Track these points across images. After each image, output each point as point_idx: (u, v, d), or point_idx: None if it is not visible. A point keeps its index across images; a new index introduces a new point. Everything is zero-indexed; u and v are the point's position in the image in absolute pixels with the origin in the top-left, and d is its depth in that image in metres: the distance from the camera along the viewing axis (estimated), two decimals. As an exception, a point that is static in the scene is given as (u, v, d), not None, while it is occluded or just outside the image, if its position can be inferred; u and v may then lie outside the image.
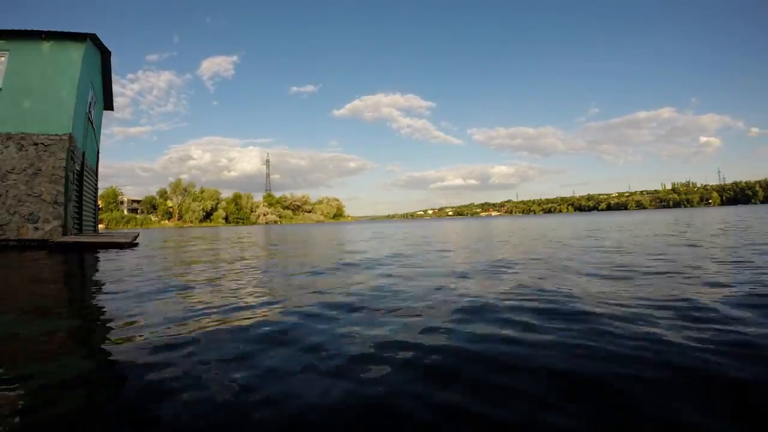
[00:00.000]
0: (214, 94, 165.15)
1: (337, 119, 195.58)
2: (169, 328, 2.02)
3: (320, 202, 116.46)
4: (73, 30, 10.53)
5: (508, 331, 1.79)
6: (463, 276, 3.51)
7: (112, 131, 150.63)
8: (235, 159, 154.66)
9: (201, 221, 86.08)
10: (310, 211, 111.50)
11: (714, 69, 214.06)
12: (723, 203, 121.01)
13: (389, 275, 3.69)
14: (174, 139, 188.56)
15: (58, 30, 10.36)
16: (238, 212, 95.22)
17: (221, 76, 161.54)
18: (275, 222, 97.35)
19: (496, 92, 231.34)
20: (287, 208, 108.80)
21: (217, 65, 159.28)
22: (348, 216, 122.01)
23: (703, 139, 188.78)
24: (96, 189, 14.98)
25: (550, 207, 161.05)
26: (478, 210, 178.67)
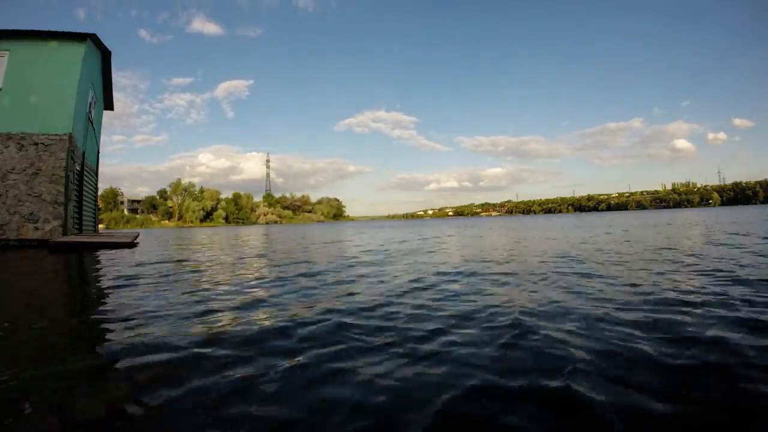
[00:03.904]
0: (227, 109, 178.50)
1: (335, 133, 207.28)
2: (171, 327, 2.02)
3: (320, 202, 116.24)
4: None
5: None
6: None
7: (134, 139, 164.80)
8: (241, 164, 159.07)
9: (201, 221, 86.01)
10: (310, 211, 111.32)
11: (675, 78, 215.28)
12: (723, 204, 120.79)
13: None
14: (186, 146, 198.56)
15: (59, 30, 10.37)
16: (239, 212, 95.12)
17: (236, 96, 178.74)
18: (275, 222, 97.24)
19: (476, 105, 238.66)
20: (287, 208, 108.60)
21: (234, 87, 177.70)
22: (348, 216, 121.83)
23: (677, 144, 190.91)
24: (96, 189, 14.98)
25: (550, 207, 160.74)
26: (479, 210, 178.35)
